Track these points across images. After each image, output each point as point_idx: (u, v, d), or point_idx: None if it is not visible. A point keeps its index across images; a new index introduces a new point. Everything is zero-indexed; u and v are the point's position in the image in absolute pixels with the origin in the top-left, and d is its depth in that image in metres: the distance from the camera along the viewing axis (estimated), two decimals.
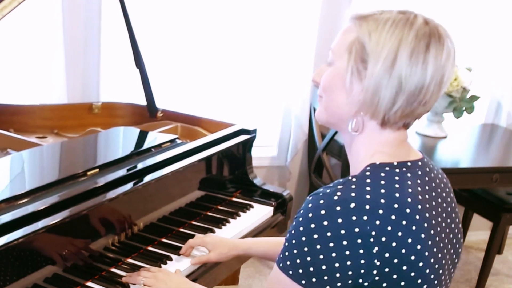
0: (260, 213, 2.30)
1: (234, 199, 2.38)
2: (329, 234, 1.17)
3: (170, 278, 1.69)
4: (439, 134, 3.49)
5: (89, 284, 1.72)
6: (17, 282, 1.53)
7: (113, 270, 1.80)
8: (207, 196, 2.25)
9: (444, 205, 1.34)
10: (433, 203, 1.29)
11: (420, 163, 1.32)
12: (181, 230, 2.09)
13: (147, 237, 1.95)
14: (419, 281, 1.22)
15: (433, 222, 1.25)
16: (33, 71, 3.00)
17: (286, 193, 2.40)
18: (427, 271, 1.22)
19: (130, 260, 1.86)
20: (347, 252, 1.17)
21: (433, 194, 1.31)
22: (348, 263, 1.18)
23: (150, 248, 1.94)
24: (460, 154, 3.42)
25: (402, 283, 1.21)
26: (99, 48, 3.00)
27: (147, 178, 1.94)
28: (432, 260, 1.23)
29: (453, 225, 1.36)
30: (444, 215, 1.32)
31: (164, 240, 2.00)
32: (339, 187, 1.22)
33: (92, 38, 2.99)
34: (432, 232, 1.24)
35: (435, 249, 1.24)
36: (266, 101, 3.62)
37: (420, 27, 1.20)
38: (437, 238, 1.26)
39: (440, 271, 1.27)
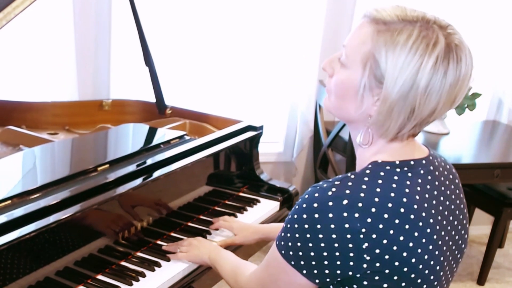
0: (267, 207, 2.32)
1: (241, 194, 2.39)
2: (319, 226, 1.21)
3: (202, 245, 1.87)
4: (441, 131, 3.52)
5: (99, 277, 1.73)
6: (29, 275, 1.55)
7: (123, 263, 1.82)
8: (215, 191, 2.27)
9: (447, 202, 1.34)
10: (434, 202, 1.29)
11: (424, 161, 1.31)
12: (190, 224, 2.11)
13: (156, 231, 1.97)
14: (413, 275, 1.23)
15: (431, 221, 1.25)
16: (45, 69, 3.02)
17: (292, 188, 2.42)
18: (420, 266, 1.23)
19: (139, 254, 1.88)
20: (336, 245, 1.20)
21: (435, 193, 1.30)
22: (337, 254, 1.21)
23: (159, 242, 1.95)
24: (462, 150, 3.44)
25: (395, 277, 1.22)
26: (109, 47, 3.03)
27: (156, 174, 1.95)
28: (426, 257, 1.23)
29: (456, 222, 1.36)
30: (446, 213, 1.32)
31: (173, 234, 2.02)
32: (336, 183, 1.24)
33: (103, 37, 3.01)
34: (428, 230, 1.24)
35: (430, 247, 1.24)
36: (272, 98, 3.64)
37: (441, 52, 1.16)
38: (435, 236, 1.26)
39: (437, 267, 1.27)
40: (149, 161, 2.01)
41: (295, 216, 1.26)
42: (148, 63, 2.59)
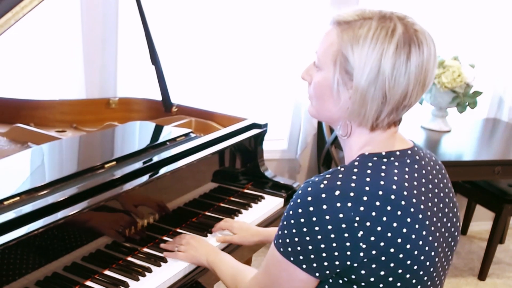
0: (271, 204, 2.33)
1: (246, 190, 2.41)
2: (314, 219, 1.24)
3: (201, 245, 1.86)
4: (443, 128, 3.54)
5: (106, 272, 1.75)
6: (38, 271, 1.56)
7: (130, 259, 1.83)
8: (220, 187, 2.28)
9: (436, 190, 1.38)
10: (422, 189, 1.33)
11: (409, 151, 1.37)
12: (195, 220, 2.12)
13: (162, 228, 1.98)
14: (409, 262, 1.26)
15: (422, 207, 1.29)
16: (53, 67, 3.04)
17: (296, 185, 2.43)
18: (416, 252, 1.26)
19: (146, 250, 1.89)
20: (332, 236, 1.23)
21: (423, 180, 1.35)
22: (334, 245, 1.23)
23: (165, 238, 1.97)
24: (463, 147, 3.46)
25: (392, 265, 1.25)
26: (116, 46, 3.05)
27: (163, 171, 1.96)
28: (420, 242, 1.27)
29: (446, 210, 1.40)
30: (435, 200, 1.36)
31: (178, 230, 2.03)
32: (327, 176, 1.29)
33: (110, 36, 3.03)
34: (420, 216, 1.28)
35: (424, 232, 1.28)
36: (276, 96, 3.66)
37: (400, 37, 1.24)
38: (427, 222, 1.29)
39: (432, 253, 1.30)
40: (156, 158, 2.02)
41: (291, 212, 1.29)
42: (155, 62, 2.60)
